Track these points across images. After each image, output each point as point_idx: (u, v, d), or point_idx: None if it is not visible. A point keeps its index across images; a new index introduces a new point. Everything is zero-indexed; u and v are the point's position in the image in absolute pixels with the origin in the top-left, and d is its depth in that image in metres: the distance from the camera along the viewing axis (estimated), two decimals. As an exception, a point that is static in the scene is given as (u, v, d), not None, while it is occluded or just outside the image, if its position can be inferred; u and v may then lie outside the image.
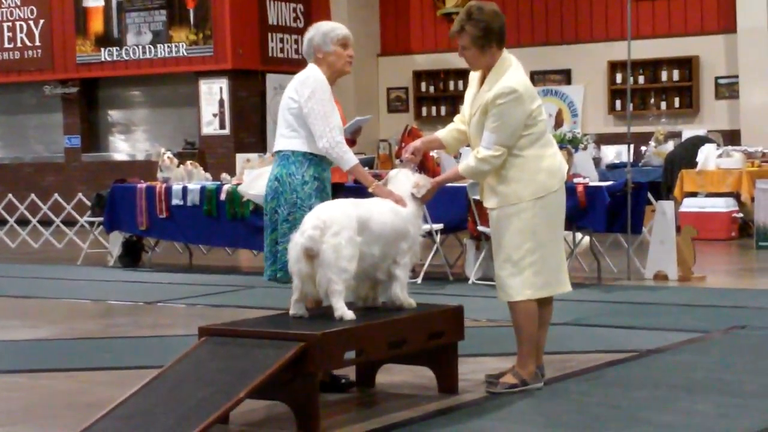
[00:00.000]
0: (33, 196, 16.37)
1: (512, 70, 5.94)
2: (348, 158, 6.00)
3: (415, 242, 5.88)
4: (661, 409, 5.55)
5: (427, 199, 6.06)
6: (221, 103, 19.07)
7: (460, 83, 19.92)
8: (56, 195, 16.28)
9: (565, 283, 6.07)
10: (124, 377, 6.52)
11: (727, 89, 17.91)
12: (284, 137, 6.10)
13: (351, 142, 10.46)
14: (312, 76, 6.04)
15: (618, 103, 18.56)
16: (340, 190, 10.14)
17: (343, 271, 5.47)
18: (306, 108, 5.98)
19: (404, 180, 6.01)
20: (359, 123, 10.04)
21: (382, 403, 5.90)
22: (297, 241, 5.50)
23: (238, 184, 11.92)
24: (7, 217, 16.37)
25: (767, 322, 8.17)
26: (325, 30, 6.16)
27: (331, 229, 5.47)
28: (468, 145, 6.29)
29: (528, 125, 5.87)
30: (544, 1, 19.31)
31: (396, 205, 5.85)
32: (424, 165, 10.64)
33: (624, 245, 11.23)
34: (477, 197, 10.09)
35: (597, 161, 16.21)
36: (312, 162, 6.05)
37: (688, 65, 18.18)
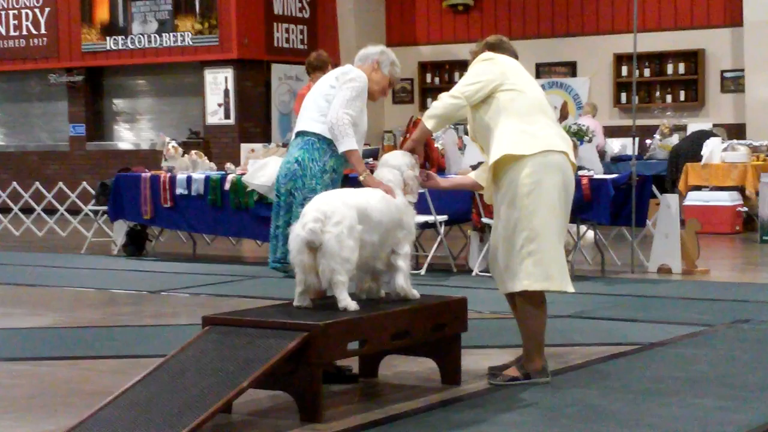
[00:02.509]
0: (37, 184, 16.38)
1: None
2: (349, 140, 6.01)
3: (411, 232, 5.87)
4: (663, 402, 5.55)
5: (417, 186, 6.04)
6: (226, 92, 19.07)
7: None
8: (61, 183, 16.30)
9: (568, 282, 5.91)
10: (128, 366, 6.53)
11: (733, 83, 17.89)
12: (313, 120, 6.15)
13: None
14: (358, 71, 6.18)
15: (623, 95, 18.54)
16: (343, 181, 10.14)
17: (346, 261, 5.47)
18: (338, 89, 6.08)
19: (393, 160, 5.99)
20: None
21: (385, 393, 5.90)
22: (298, 233, 5.49)
23: (243, 174, 11.92)
24: (12, 205, 16.39)
25: (771, 317, 8.17)
26: (394, 60, 6.37)
27: (332, 219, 5.46)
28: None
29: (510, 90, 5.83)
30: (550, -7, 19.28)
31: (383, 193, 5.84)
32: (429, 156, 10.63)
33: (628, 238, 11.22)
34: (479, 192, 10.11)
35: (602, 154, 16.20)
36: (335, 153, 6.11)
37: (693, 58, 18.16)
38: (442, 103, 5.92)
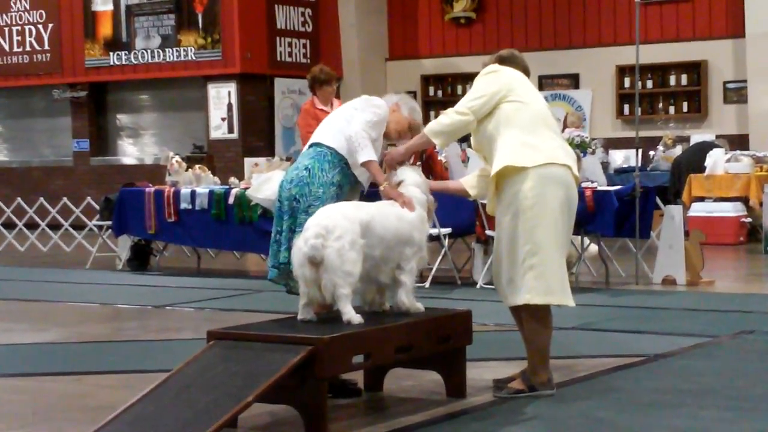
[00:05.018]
0: (41, 199, 16.40)
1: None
2: (368, 151, 5.99)
3: (420, 248, 5.85)
4: (668, 414, 5.54)
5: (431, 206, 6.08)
6: (229, 107, 19.09)
7: (468, 87, 19.89)
8: (65, 199, 16.32)
9: (569, 296, 5.91)
10: (132, 381, 6.52)
11: (736, 94, 17.90)
12: (329, 134, 6.13)
13: None
14: (383, 101, 6.20)
15: (626, 107, 18.55)
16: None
17: (349, 275, 5.47)
18: (359, 110, 6.09)
19: (412, 178, 6.00)
20: None
21: (390, 407, 5.90)
22: (300, 248, 5.50)
23: (247, 188, 11.89)
24: (16, 220, 16.40)
25: (776, 327, 8.16)
26: (414, 107, 6.33)
27: (333, 233, 5.47)
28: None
29: (515, 101, 5.83)
30: (553, 5, 19.31)
31: (402, 210, 5.84)
32: (432, 169, 10.64)
33: (632, 250, 11.22)
34: (485, 201, 10.11)
35: (605, 166, 16.20)
36: (343, 170, 6.08)
37: (696, 70, 18.17)
38: (450, 119, 5.91)
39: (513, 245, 5.83)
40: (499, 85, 5.88)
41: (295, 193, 6.02)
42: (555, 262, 5.82)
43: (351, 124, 6.04)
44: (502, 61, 6.11)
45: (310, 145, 6.21)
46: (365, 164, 6.00)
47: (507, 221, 5.86)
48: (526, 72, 6.10)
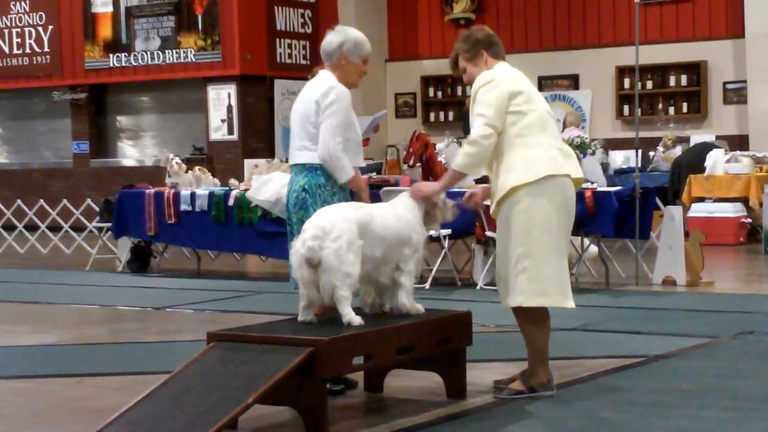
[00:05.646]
0: (41, 201, 16.40)
1: (496, 66, 5.99)
2: (345, 170, 5.99)
3: (418, 249, 5.86)
4: (669, 414, 5.54)
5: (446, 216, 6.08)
6: (229, 108, 19.10)
7: (468, 89, 19.80)
8: (65, 200, 16.32)
9: (567, 298, 5.89)
10: (133, 383, 6.53)
11: (735, 94, 17.89)
12: (309, 150, 6.09)
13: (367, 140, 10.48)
14: (335, 88, 6.06)
15: (626, 108, 18.54)
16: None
17: (347, 276, 5.47)
18: (322, 116, 6.01)
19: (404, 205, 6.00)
20: (376, 121, 10.11)
21: (390, 408, 5.90)
22: (298, 249, 5.50)
23: (247, 190, 11.93)
24: (16, 222, 16.40)
25: (776, 328, 8.16)
26: (357, 40, 6.24)
27: (331, 234, 5.47)
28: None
29: (513, 112, 5.82)
30: (552, 6, 19.31)
31: (399, 210, 5.85)
32: (433, 171, 10.65)
33: (632, 250, 11.22)
34: (485, 203, 10.11)
35: (605, 166, 16.20)
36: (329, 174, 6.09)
37: (696, 70, 18.16)
38: (478, 147, 5.80)
39: (507, 246, 5.85)
40: (502, 96, 5.82)
41: (302, 216, 6.02)
42: (549, 265, 5.82)
43: (320, 139, 5.98)
44: (484, 46, 6.04)
45: (294, 164, 6.19)
46: (349, 182, 6.03)
47: (502, 222, 5.89)
48: (479, 40, 6.03)
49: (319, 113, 6.03)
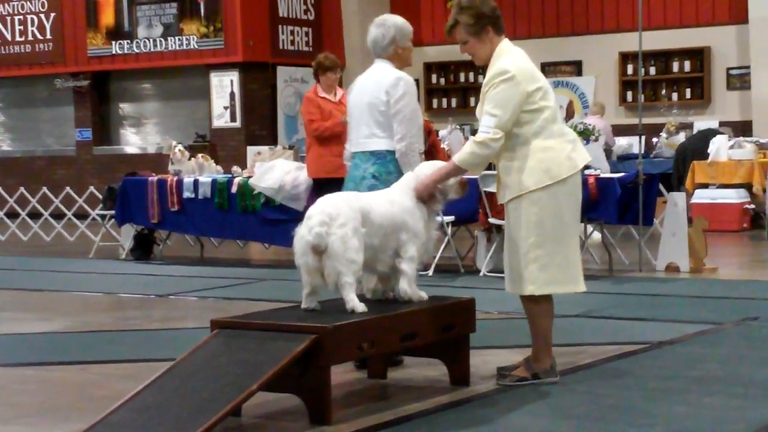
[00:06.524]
0: (45, 189, 16.41)
1: (509, 55, 5.86)
2: (413, 168, 6.10)
3: (418, 234, 5.82)
4: (672, 400, 5.55)
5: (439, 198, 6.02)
6: (232, 95, 19.08)
7: (471, 75, 19.89)
8: (68, 188, 16.33)
9: (577, 282, 5.90)
10: (137, 370, 6.54)
11: (739, 80, 17.87)
12: (378, 138, 6.33)
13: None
14: (402, 78, 6.32)
15: (629, 94, 18.52)
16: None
17: (352, 263, 5.47)
18: (394, 108, 6.25)
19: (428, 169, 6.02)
20: None
21: (394, 395, 5.91)
22: (303, 236, 5.50)
23: (249, 177, 11.94)
24: (19, 210, 16.42)
25: (779, 314, 8.16)
26: (402, 27, 6.54)
27: (337, 220, 5.47)
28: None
29: (529, 110, 5.75)
30: (555, -8, 19.27)
31: (394, 196, 5.84)
32: (436, 158, 10.61)
33: (635, 237, 11.22)
34: (488, 189, 10.11)
35: (609, 152, 16.18)
36: (398, 162, 6.31)
37: (699, 56, 18.14)
38: (487, 149, 5.71)
39: (517, 234, 5.83)
40: (519, 96, 5.71)
41: None
42: (559, 253, 5.82)
43: (397, 134, 6.20)
44: (493, 22, 5.88)
45: (365, 152, 6.28)
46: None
47: (512, 210, 5.86)
48: (486, 15, 5.92)
49: (389, 104, 6.27)
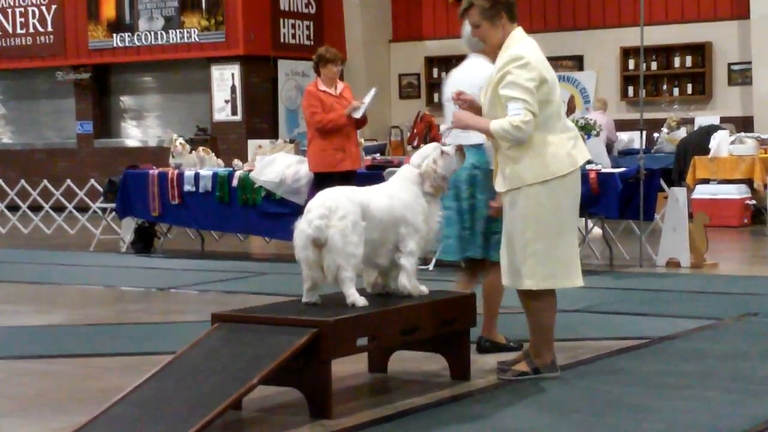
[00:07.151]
0: (45, 182, 16.40)
1: (522, 42, 5.83)
2: None
3: (417, 228, 5.81)
4: (672, 396, 5.55)
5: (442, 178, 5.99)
6: (233, 89, 19.07)
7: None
8: (68, 181, 16.31)
9: (575, 277, 5.88)
10: (137, 363, 6.54)
11: (740, 75, 17.86)
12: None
13: (363, 121, 10.49)
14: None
15: (630, 89, 18.51)
16: (351, 178, 10.15)
17: (352, 256, 5.47)
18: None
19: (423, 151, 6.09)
20: (372, 101, 10.18)
21: (394, 389, 5.91)
22: (303, 230, 5.49)
23: (250, 171, 11.93)
24: (20, 203, 16.40)
25: (780, 310, 8.16)
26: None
27: (336, 214, 5.47)
28: None
29: (539, 101, 5.69)
30: (557, -13, 19.25)
31: (392, 190, 5.83)
32: (435, 140, 10.64)
33: (636, 232, 11.21)
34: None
35: (610, 147, 16.18)
36: None
37: (701, 51, 18.12)
38: (522, 133, 5.63)
39: (514, 229, 5.81)
40: (536, 84, 5.67)
41: (473, 192, 6.50)
42: (558, 247, 5.80)
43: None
44: (507, 8, 5.84)
45: (464, 145, 6.27)
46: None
47: (509, 202, 5.83)
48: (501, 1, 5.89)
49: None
